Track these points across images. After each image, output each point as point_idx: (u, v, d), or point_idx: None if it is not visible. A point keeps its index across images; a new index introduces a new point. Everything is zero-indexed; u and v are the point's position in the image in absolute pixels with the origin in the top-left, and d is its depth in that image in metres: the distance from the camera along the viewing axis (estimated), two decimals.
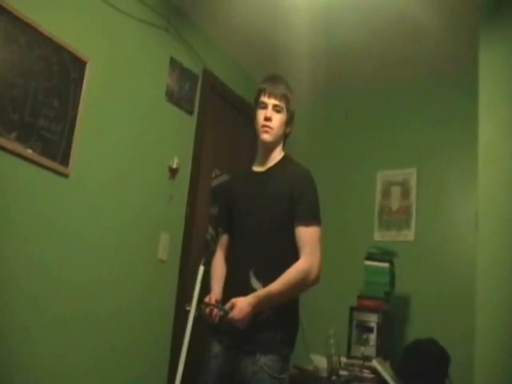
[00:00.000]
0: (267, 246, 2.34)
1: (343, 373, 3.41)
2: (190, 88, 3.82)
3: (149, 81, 3.48)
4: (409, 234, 4.07)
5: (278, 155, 2.49)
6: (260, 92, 2.46)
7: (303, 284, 2.26)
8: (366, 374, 3.38)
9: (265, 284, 2.23)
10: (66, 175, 2.86)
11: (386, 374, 3.30)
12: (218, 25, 3.89)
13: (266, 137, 2.42)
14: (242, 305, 2.14)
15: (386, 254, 3.79)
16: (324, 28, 3.72)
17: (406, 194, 4.18)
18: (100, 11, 3.13)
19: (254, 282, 2.27)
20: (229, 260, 2.50)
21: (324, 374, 3.47)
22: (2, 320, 2.51)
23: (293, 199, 2.33)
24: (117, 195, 3.20)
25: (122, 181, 3.25)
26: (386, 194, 4.25)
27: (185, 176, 3.72)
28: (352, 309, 3.70)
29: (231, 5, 3.63)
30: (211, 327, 2.32)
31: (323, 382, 3.44)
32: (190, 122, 3.81)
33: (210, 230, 3.89)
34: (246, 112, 4.38)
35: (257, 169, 2.51)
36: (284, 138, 2.51)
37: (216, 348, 2.33)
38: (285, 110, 2.44)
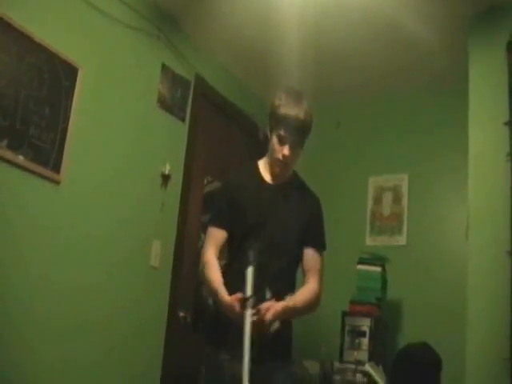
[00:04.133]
0: (281, 261, 2.30)
1: (336, 377, 3.42)
2: (181, 95, 3.83)
3: (141, 87, 3.49)
4: (401, 240, 4.08)
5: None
6: (279, 120, 2.29)
7: (314, 307, 2.32)
8: (359, 378, 3.38)
9: (274, 294, 2.16)
10: (57, 182, 2.86)
11: (379, 379, 3.31)
12: (208, 33, 3.90)
13: (282, 171, 2.38)
14: (277, 307, 2.07)
15: (377, 259, 3.80)
16: (315, 38, 3.74)
17: (397, 199, 4.19)
18: (91, 19, 3.14)
19: (268, 294, 2.17)
20: (234, 270, 2.28)
21: (317, 379, 3.47)
22: None
23: (308, 225, 2.37)
24: (109, 202, 3.21)
25: (114, 187, 3.25)
26: (378, 199, 4.27)
27: (177, 183, 3.72)
28: (344, 313, 3.71)
29: (222, 14, 3.65)
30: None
31: None
32: (181, 129, 3.82)
33: (203, 237, 3.88)
34: (238, 118, 4.41)
35: (268, 180, 2.42)
36: None
37: (225, 356, 2.20)
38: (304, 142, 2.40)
